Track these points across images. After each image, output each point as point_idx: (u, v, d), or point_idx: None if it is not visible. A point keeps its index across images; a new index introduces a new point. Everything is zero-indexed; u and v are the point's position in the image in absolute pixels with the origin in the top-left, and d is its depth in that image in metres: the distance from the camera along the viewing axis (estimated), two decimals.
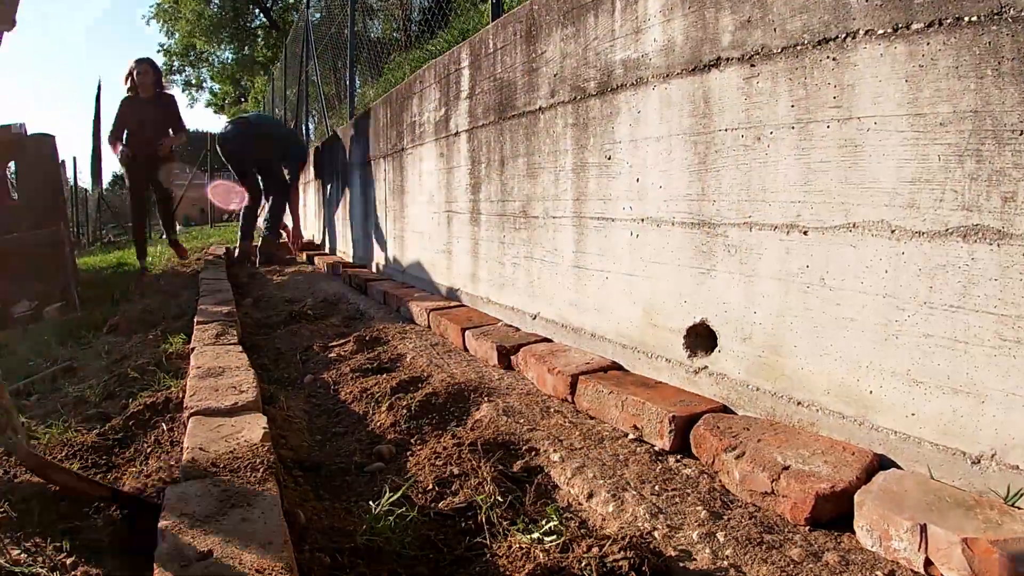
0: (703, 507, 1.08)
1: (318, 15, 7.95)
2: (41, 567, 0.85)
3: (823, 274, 1.22)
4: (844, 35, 1.16)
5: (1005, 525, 0.87)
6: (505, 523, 1.09)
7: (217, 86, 27.30)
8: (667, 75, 1.56)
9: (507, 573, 0.96)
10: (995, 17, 0.95)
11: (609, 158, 1.79)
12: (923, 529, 0.88)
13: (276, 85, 12.97)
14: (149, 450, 1.40)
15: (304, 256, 5.90)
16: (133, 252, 5.68)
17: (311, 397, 1.89)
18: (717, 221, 1.44)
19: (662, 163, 1.59)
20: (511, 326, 2.32)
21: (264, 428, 1.29)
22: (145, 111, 4.79)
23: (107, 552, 0.95)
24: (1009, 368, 0.96)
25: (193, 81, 28.10)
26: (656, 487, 1.16)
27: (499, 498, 1.16)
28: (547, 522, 1.05)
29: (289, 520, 0.98)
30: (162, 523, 0.90)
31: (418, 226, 3.35)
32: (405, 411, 1.62)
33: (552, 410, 1.60)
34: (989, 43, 0.96)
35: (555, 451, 1.35)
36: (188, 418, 1.38)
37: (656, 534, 1.01)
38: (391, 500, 1.13)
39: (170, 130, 4.87)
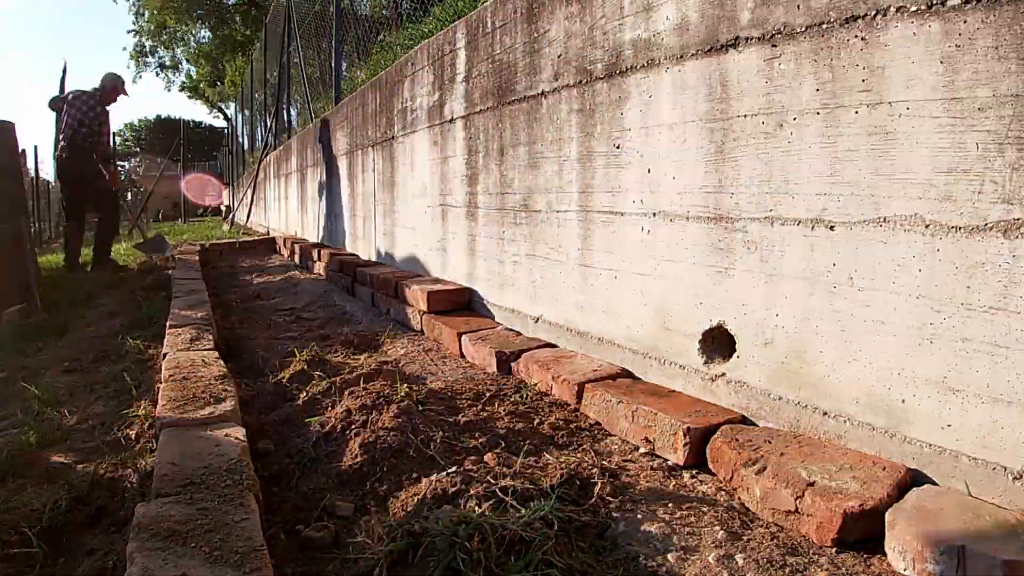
0: (721, 527, 1.08)
1: None
2: None
3: (851, 273, 1.22)
4: (874, 12, 1.16)
5: None
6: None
7: (194, 68, 27.44)
8: (681, 56, 1.56)
9: None
10: None
11: (618, 147, 1.79)
12: (960, 551, 0.88)
13: (256, 68, 12.98)
14: None
15: (287, 252, 5.90)
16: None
17: (295, 411, 1.89)
18: (735, 215, 1.44)
19: (675, 152, 1.59)
20: (511, 330, 2.32)
21: (242, 441, 1.29)
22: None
23: None
24: None
25: (168, 63, 28.23)
26: (670, 505, 1.16)
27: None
28: None
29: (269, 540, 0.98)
30: (132, 544, 0.90)
31: (410, 221, 3.35)
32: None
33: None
34: None
35: None
36: (160, 430, 1.38)
37: (670, 556, 1.01)
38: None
39: None
